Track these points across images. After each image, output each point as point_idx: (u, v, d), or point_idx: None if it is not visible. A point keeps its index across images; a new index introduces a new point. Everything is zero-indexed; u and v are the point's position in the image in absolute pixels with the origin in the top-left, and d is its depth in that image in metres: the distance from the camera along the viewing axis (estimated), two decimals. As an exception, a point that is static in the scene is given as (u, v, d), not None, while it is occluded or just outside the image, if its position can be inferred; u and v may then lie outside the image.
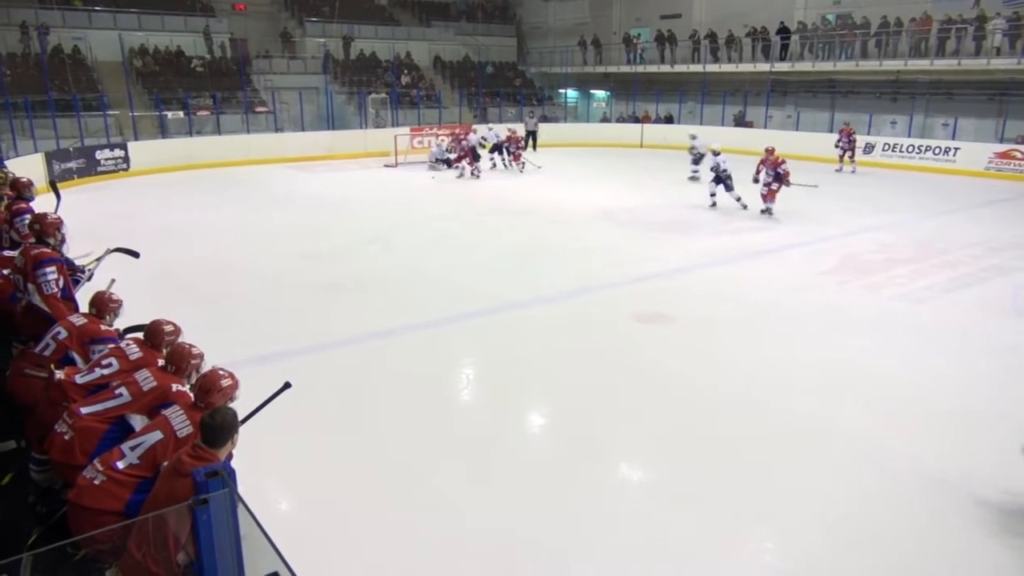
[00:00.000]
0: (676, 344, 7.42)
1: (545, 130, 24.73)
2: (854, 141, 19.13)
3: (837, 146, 19.34)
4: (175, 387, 3.53)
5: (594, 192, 16.44)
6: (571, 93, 31.77)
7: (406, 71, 28.19)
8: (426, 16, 31.81)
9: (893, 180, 18.14)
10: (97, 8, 24.14)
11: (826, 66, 22.66)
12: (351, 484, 4.85)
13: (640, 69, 28.14)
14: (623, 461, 5.27)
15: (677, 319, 8.06)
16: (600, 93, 31.58)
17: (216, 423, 2.90)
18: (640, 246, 11.44)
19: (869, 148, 20.76)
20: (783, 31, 23.74)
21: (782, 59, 23.79)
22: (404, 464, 5.08)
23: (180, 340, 3.87)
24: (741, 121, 25.32)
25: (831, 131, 22.04)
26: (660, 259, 10.60)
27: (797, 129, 22.97)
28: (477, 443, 5.44)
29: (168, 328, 3.98)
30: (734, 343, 7.40)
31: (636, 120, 27.68)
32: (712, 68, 25.53)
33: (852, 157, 19.20)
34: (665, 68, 27.09)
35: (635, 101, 28.37)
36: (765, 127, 24.01)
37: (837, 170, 19.06)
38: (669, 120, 27.14)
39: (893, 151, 20.42)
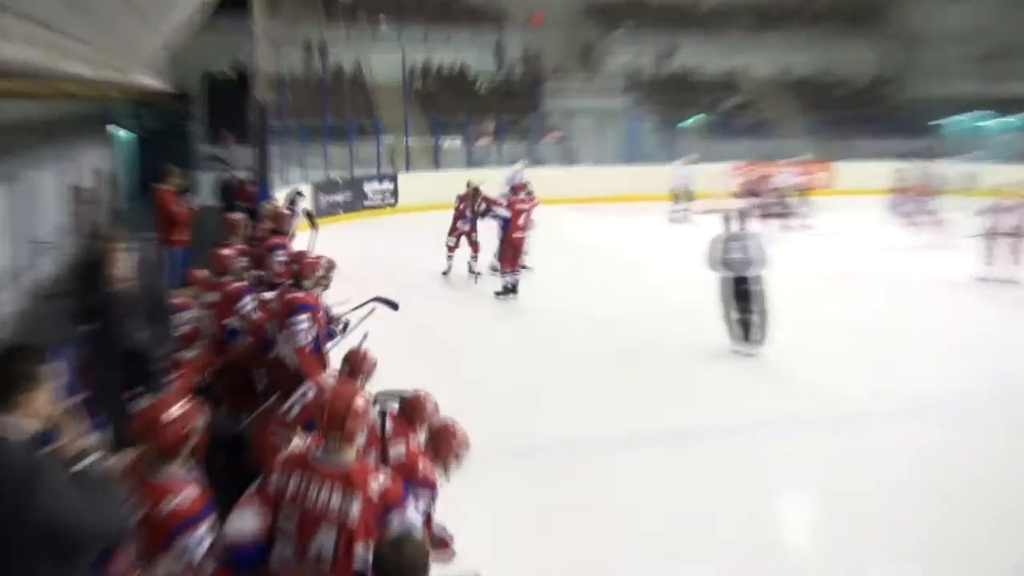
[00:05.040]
0: None
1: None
2: None
3: None
4: (421, 466, 3.68)
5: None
6: (959, 119, 29.05)
7: (732, 91, 28.03)
8: (762, 24, 30.67)
9: None
10: (381, 24, 27.19)
11: None
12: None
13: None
14: None
15: None
16: (996, 122, 28.49)
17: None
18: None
19: None
20: None
21: None
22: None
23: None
24: None
25: None
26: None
27: None
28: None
29: (430, 406, 4.15)
30: None
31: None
32: None
33: None
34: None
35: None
36: None
37: None
38: None
39: None
